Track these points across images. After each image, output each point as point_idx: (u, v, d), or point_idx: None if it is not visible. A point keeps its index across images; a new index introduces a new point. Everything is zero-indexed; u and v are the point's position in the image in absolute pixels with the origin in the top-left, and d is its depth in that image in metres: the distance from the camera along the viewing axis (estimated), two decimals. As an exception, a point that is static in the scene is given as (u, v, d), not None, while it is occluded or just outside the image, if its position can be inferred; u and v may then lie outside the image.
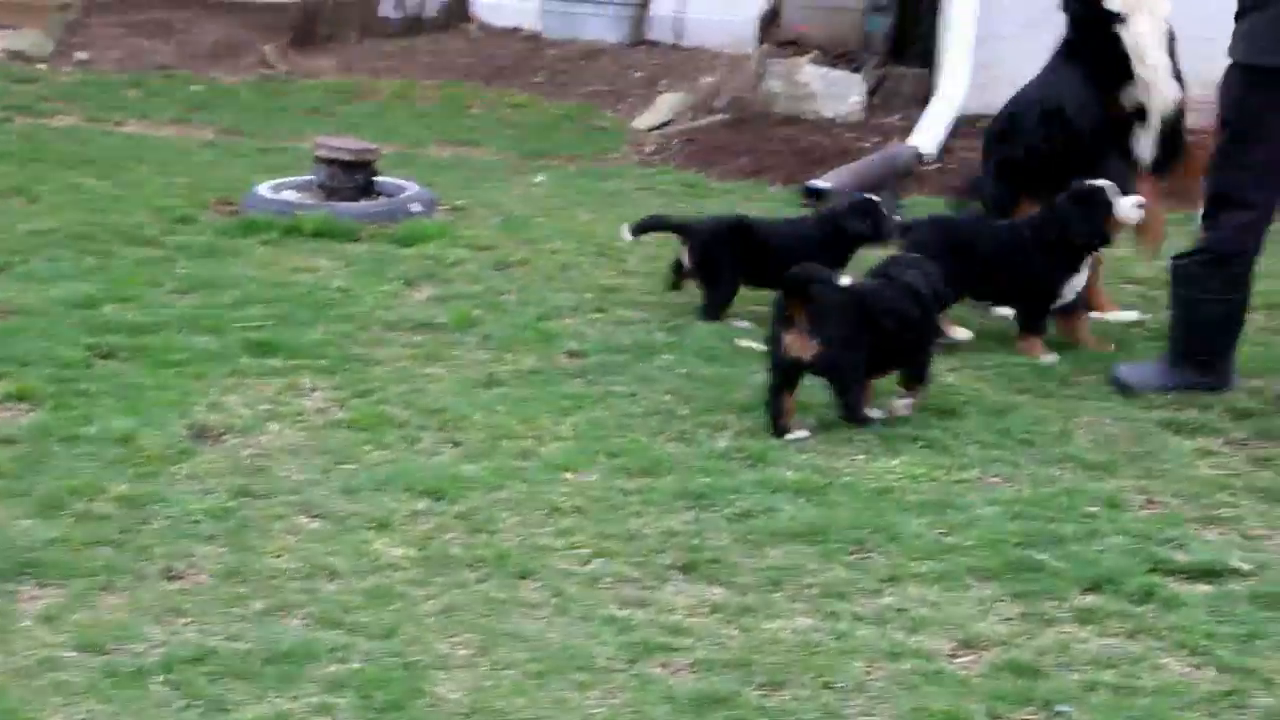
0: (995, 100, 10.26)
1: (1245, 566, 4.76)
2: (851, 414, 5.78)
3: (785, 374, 5.72)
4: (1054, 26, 10.31)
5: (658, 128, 10.59)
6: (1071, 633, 4.39)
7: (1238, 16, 6.03)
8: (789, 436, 5.67)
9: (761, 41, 11.50)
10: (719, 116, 10.52)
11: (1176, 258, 6.30)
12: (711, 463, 5.41)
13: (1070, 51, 6.97)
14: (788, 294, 5.70)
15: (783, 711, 3.95)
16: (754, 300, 6.98)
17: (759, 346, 6.56)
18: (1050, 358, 6.54)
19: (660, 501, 5.12)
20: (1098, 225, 6.56)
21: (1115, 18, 6.68)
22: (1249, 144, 5.99)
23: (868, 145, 9.81)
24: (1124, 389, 6.19)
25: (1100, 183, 6.59)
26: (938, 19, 11.26)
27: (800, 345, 5.67)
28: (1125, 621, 4.44)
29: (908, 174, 9.31)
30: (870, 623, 4.40)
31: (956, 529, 4.98)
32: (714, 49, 12.46)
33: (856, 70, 10.75)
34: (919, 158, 9.48)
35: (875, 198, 7.13)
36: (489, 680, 4.05)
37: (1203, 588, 4.65)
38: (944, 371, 6.41)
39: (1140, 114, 6.91)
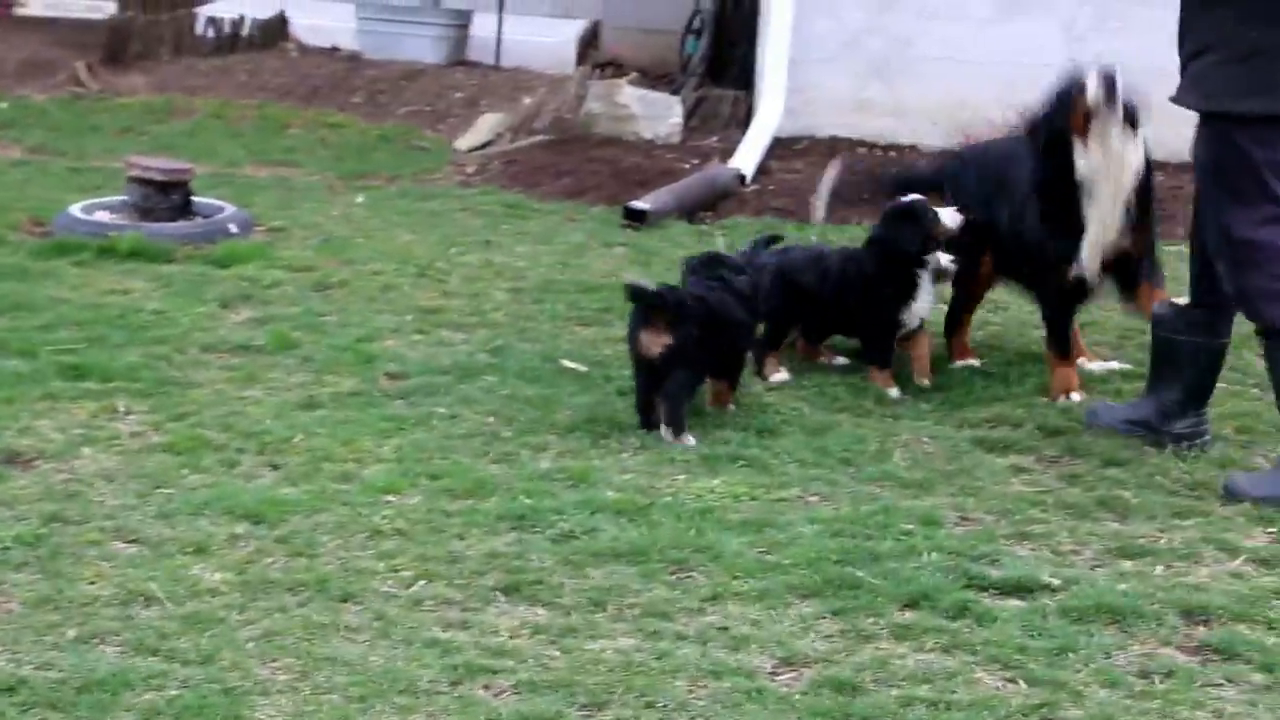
0: (810, 123, 10.46)
1: (1056, 582, 4.86)
2: (675, 413, 5.89)
3: (646, 372, 5.92)
4: (866, 50, 10.53)
5: (479, 148, 10.58)
6: (889, 649, 4.45)
7: (1187, 63, 5.64)
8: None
9: (581, 63, 11.56)
10: (540, 137, 10.54)
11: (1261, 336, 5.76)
12: (534, 484, 5.41)
13: (1041, 185, 6.41)
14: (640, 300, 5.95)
15: (606, 732, 3.97)
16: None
17: (581, 368, 6.59)
18: (894, 391, 6.51)
19: (483, 523, 5.11)
20: (924, 237, 6.55)
21: (1078, 187, 6.23)
22: (1233, 195, 5.59)
23: (687, 166, 9.89)
24: (1236, 497, 5.54)
25: (913, 197, 6.63)
26: (754, 42, 11.40)
27: (655, 342, 5.86)
28: (941, 637, 4.51)
29: (727, 195, 9.39)
30: (692, 642, 4.43)
31: (777, 547, 5.03)
32: (534, 70, 12.50)
33: (675, 92, 10.84)
34: (740, 179, 9.57)
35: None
36: (310, 705, 4.01)
37: (1015, 603, 4.74)
38: (764, 391, 6.49)
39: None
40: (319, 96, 11.96)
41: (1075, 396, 6.42)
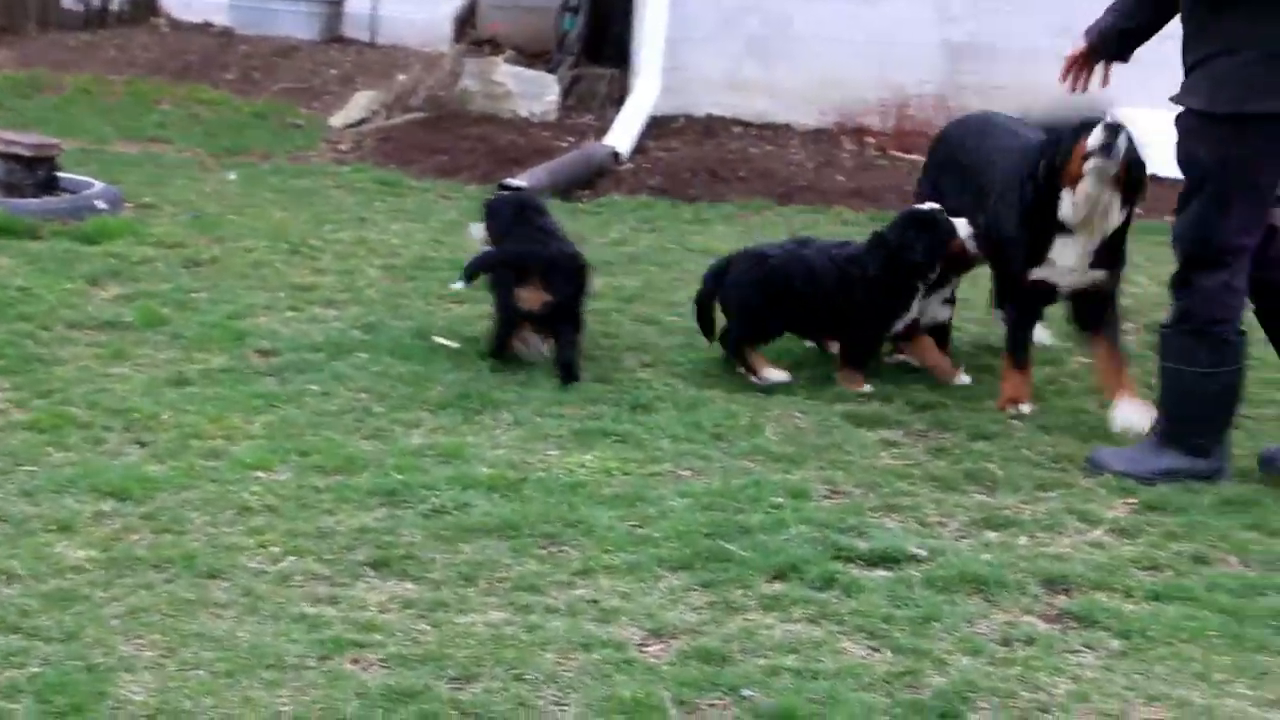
0: (687, 102, 10.49)
1: (922, 552, 4.93)
2: (569, 368, 6.19)
3: (515, 324, 6.33)
4: (743, 29, 10.58)
5: (353, 125, 10.51)
6: (757, 620, 4.49)
7: (1196, 65, 5.55)
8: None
9: (458, 40, 11.51)
10: (415, 115, 10.49)
11: (1162, 327, 5.81)
12: (406, 460, 5.40)
13: (1022, 206, 6.26)
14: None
15: (475, 704, 3.96)
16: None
17: (454, 344, 6.58)
18: (867, 388, 6.41)
19: (353, 499, 5.09)
20: (938, 249, 6.40)
21: (1061, 228, 6.14)
22: (1233, 198, 5.50)
23: (563, 144, 9.88)
24: (1099, 470, 5.69)
25: (931, 206, 6.51)
26: (631, 20, 11.40)
27: (533, 299, 6.20)
28: (808, 607, 4.56)
29: (603, 173, 9.40)
30: (562, 614, 4.44)
31: (648, 521, 5.06)
32: (410, 47, 12.43)
33: (551, 70, 10.82)
34: (615, 157, 9.58)
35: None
36: (175, 681, 3.98)
37: (882, 573, 4.80)
38: (638, 367, 6.51)
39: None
40: (191, 73, 11.82)
41: (1024, 408, 6.24)
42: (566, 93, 10.79)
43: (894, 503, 5.34)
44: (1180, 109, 5.61)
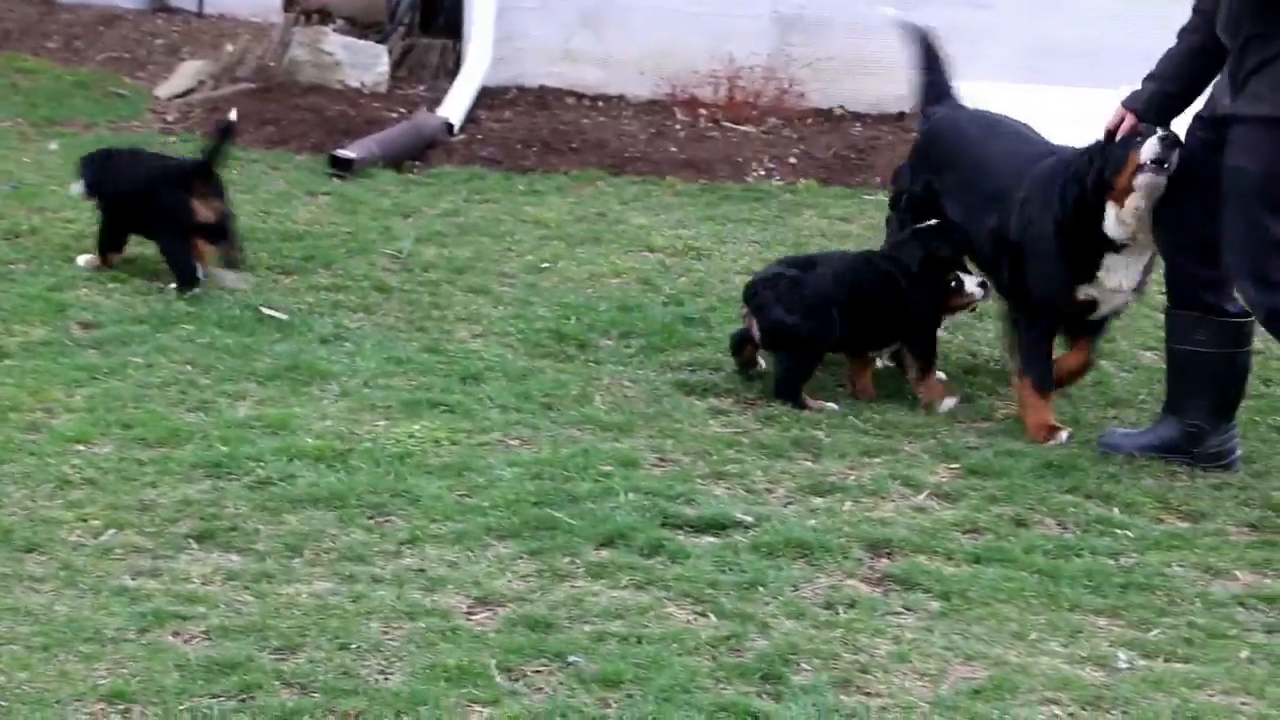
0: (519, 72, 10.46)
1: (748, 519, 4.97)
2: (186, 277, 6.70)
3: (192, 235, 6.78)
4: (575, 1, 10.54)
5: (180, 96, 10.33)
6: (584, 586, 4.51)
7: (1255, 71, 5.37)
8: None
9: (287, 10, 11.34)
10: (243, 85, 10.33)
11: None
12: (231, 431, 5.34)
13: (1062, 219, 5.87)
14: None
15: (298, 674, 3.94)
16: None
17: (282, 315, 6.51)
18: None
19: (177, 471, 5.03)
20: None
21: (1110, 244, 5.79)
22: None
23: (395, 115, 9.79)
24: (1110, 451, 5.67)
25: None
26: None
27: (206, 209, 6.73)
28: (635, 574, 4.58)
29: (434, 144, 9.34)
30: (388, 584, 4.43)
31: (476, 490, 5.05)
32: (238, 17, 12.24)
33: (382, 40, 10.71)
34: (447, 128, 9.53)
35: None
36: (-10, 657, 3.91)
37: (709, 540, 4.84)
38: (468, 338, 6.49)
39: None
40: (10, 40, 11.53)
41: (1064, 435, 5.82)
42: (398, 63, 10.70)
43: (722, 470, 5.38)
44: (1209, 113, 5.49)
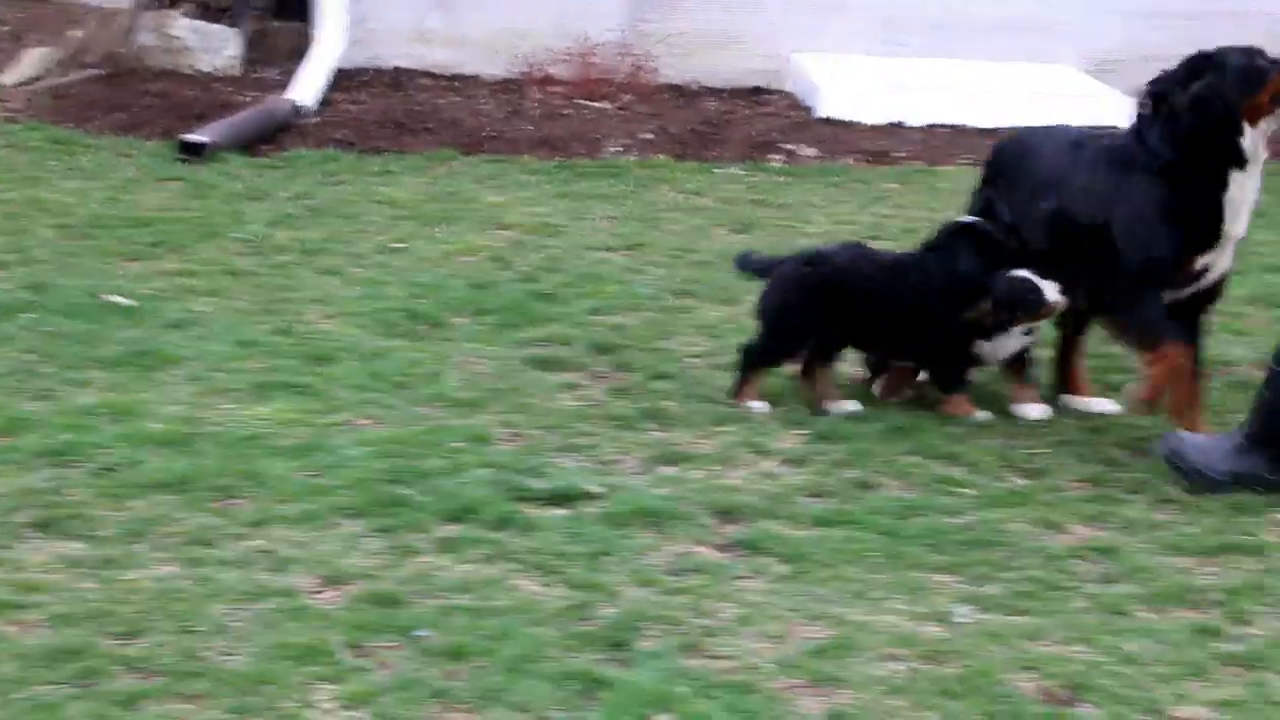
0: (374, 54, 10.40)
1: (598, 490, 5.00)
2: None
3: None
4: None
5: (25, 84, 10.17)
6: (432, 562, 4.52)
7: None
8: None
9: (136, -5, 11.19)
10: (91, 71, 10.19)
11: None
12: (74, 419, 5.28)
13: (1162, 175, 5.56)
14: None
15: (141, 658, 3.92)
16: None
17: (129, 302, 6.45)
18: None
19: (18, 460, 4.97)
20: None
21: (1240, 162, 5.49)
22: None
23: (246, 99, 9.71)
24: (1179, 465, 5.27)
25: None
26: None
27: None
28: (484, 548, 4.60)
29: (287, 128, 9.27)
30: (234, 566, 4.41)
31: (325, 470, 5.04)
32: (85, 2, 12.05)
33: (233, 24, 10.61)
34: (299, 110, 9.46)
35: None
36: None
37: (558, 512, 4.87)
38: (320, 319, 6.47)
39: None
40: None
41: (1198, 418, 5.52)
42: (251, 46, 10.60)
43: (573, 443, 5.41)
44: None
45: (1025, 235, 5.86)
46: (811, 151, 9.19)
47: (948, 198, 8.31)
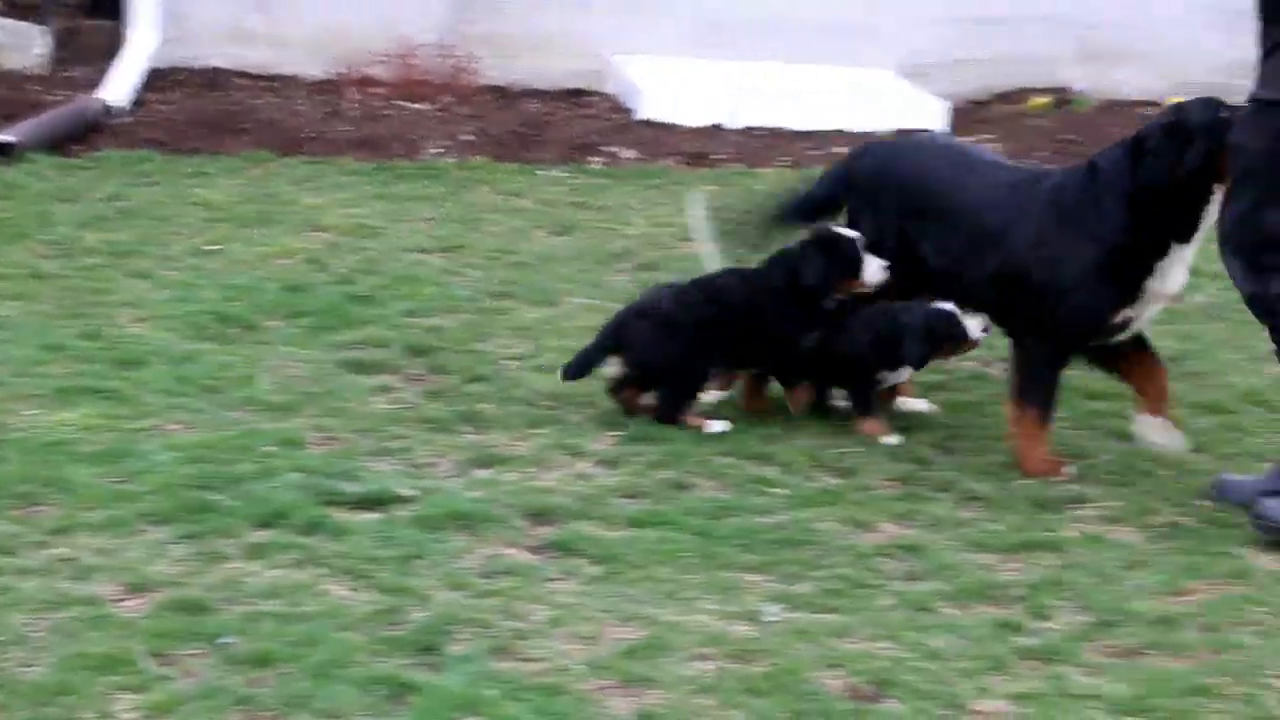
0: (189, 53, 10.24)
1: (410, 493, 4.98)
2: None
3: None
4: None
5: None
6: (241, 568, 4.47)
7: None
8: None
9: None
10: (-105, 70, 9.93)
11: None
12: None
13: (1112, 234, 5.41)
14: None
15: (-67, 672, 3.83)
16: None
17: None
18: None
19: None
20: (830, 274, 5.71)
21: (1187, 235, 5.39)
22: None
23: (56, 98, 9.51)
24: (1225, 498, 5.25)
25: (848, 232, 5.78)
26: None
27: None
28: (294, 553, 4.56)
29: (98, 128, 9.10)
30: (35, 575, 4.33)
31: (132, 476, 4.96)
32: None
33: (41, 21, 10.39)
34: (108, 110, 9.29)
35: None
36: None
37: (369, 516, 4.84)
38: (129, 322, 6.36)
39: None
40: None
41: (1070, 470, 5.46)
42: (61, 45, 10.39)
43: (386, 446, 5.37)
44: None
45: (925, 259, 5.74)
46: (632, 153, 9.22)
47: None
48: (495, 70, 10.19)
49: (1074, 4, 10.46)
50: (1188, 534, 5.07)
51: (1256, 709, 4.10)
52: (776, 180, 8.71)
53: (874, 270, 5.72)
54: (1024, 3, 10.43)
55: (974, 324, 5.65)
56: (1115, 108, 10.36)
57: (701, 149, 9.36)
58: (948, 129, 9.68)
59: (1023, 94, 10.46)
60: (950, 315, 5.66)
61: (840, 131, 9.60)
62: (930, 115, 9.81)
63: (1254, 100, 5.17)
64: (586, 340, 5.97)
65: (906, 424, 5.82)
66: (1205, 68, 10.44)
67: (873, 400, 5.79)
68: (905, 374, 5.85)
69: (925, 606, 4.50)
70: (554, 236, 7.85)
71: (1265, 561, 4.90)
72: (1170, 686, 4.15)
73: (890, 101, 9.90)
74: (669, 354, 5.67)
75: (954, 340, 5.69)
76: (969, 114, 10.19)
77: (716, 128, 9.69)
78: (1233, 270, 5.23)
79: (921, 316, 5.67)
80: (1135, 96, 10.41)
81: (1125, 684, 4.16)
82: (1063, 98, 10.41)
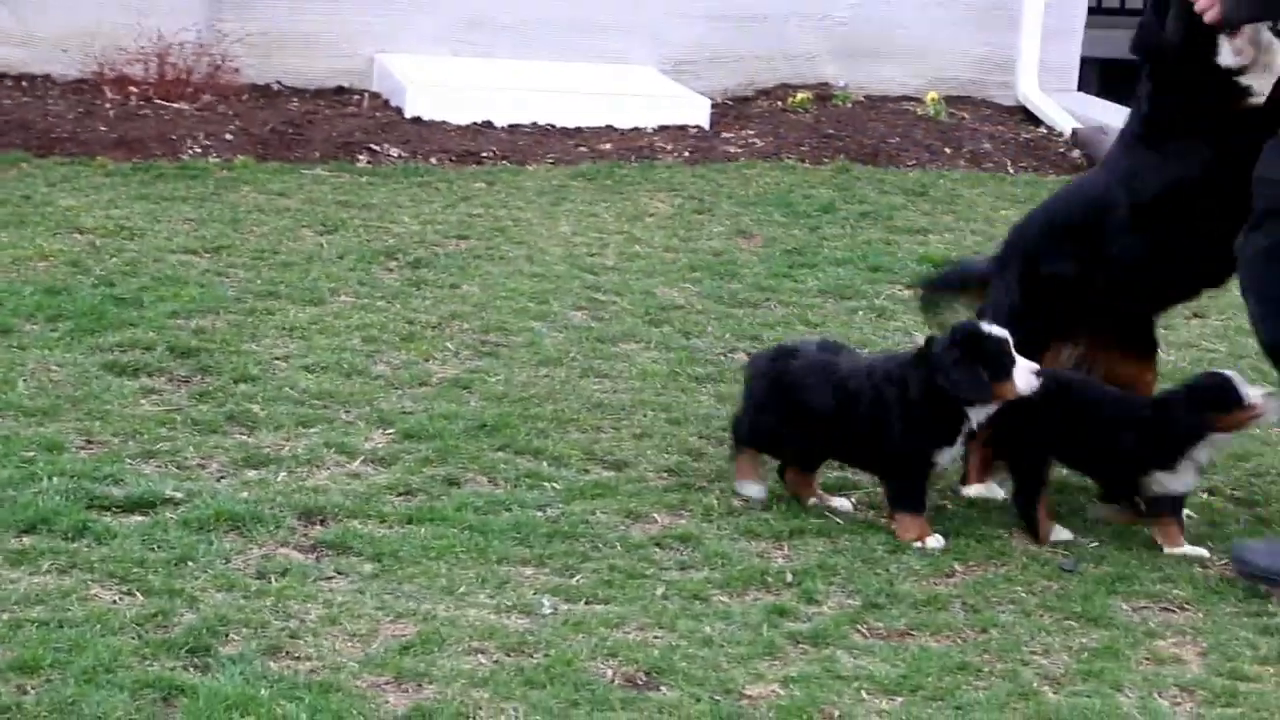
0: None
1: (178, 495, 4.91)
2: None
3: None
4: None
5: None
6: (3, 575, 4.37)
7: None
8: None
9: None
10: None
11: None
12: None
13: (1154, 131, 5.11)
14: None
15: None
16: None
17: None
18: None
19: None
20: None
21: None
22: None
23: None
24: (1250, 574, 4.76)
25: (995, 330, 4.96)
26: None
27: None
28: (58, 558, 4.47)
29: None
30: None
31: None
32: None
33: None
34: None
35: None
36: None
37: (137, 519, 4.76)
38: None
39: None
40: None
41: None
42: None
43: (153, 449, 5.28)
44: None
45: None
46: (398, 152, 9.17)
47: (536, 197, 8.45)
48: (255, 69, 10.04)
49: (833, 1, 10.66)
50: (950, 518, 5.22)
51: (1017, 684, 4.24)
52: (544, 178, 8.80)
53: (1025, 376, 4.91)
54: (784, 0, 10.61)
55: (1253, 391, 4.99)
56: (876, 103, 10.59)
57: (469, 147, 9.34)
58: (711, 124, 9.83)
59: (784, 90, 10.62)
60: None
61: (608, 128, 9.69)
62: (693, 111, 9.93)
63: None
64: (356, 339, 5.90)
65: (674, 416, 5.87)
66: (958, 64, 10.81)
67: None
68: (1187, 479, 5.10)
69: (698, 595, 4.57)
70: (321, 236, 7.76)
71: (1023, 544, 5.06)
72: (935, 665, 4.28)
73: (654, 98, 10.00)
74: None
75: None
76: (731, 110, 10.33)
77: (484, 126, 9.68)
78: (1254, 315, 4.85)
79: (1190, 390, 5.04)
80: (895, 92, 10.65)
81: (893, 664, 4.28)
82: (823, 93, 10.58)
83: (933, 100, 10.46)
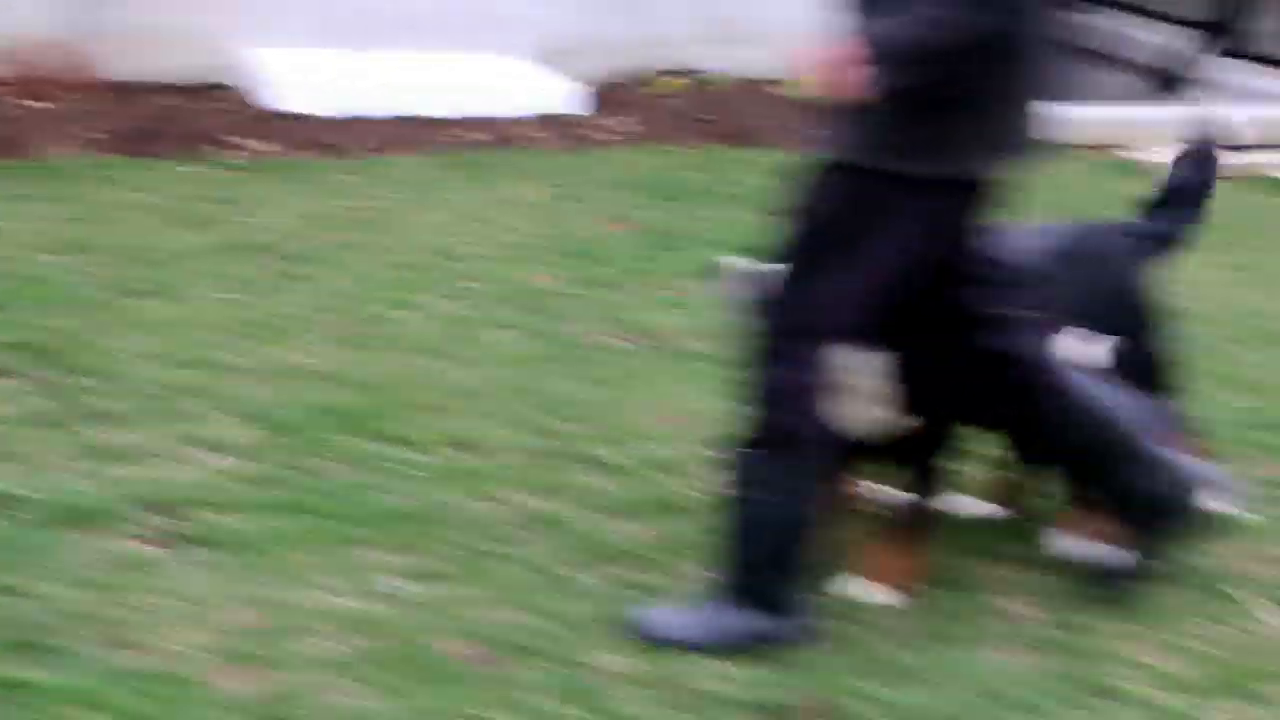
0: None
1: (24, 492, 4.82)
2: None
3: None
4: None
5: None
6: None
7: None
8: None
9: None
10: None
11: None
12: None
13: None
14: None
15: None
16: None
17: None
18: None
19: None
20: None
21: None
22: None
23: None
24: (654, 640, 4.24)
25: None
26: None
27: None
28: None
29: None
30: None
31: None
32: None
33: None
34: None
35: None
36: None
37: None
38: None
39: None
40: None
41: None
42: None
43: (8, 450, 5.18)
44: None
45: None
46: (265, 146, 9.08)
47: (406, 188, 8.40)
48: (116, 66, 9.88)
49: (704, -13, 10.70)
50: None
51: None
52: (415, 170, 8.75)
53: None
54: (655, -15, 10.63)
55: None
56: (748, 86, 10.61)
57: (338, 140, 9.26)
58: (584, 111, 9.82)
59: (658, 75, 10.63)
60: None
61: (481, 119, 9.65)
62: (566, 98, 9.91)
63: None
64: (220, 335, 5.81)
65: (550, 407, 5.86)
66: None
67: None
68: None
69: (555, 574, 4.55)
70: (188, 232, 7.66)
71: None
72: (792, 633, 4.27)
73: (528, 87, 9.97)
74: None
75: None
76: (606, 96, 10.30)
77: (353, 118, 9.60)
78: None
79: None
80: (765, 75, 10.67)
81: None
82: (698, 78, 10.60)
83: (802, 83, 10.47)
